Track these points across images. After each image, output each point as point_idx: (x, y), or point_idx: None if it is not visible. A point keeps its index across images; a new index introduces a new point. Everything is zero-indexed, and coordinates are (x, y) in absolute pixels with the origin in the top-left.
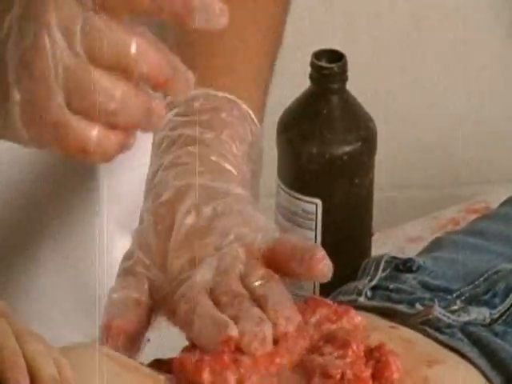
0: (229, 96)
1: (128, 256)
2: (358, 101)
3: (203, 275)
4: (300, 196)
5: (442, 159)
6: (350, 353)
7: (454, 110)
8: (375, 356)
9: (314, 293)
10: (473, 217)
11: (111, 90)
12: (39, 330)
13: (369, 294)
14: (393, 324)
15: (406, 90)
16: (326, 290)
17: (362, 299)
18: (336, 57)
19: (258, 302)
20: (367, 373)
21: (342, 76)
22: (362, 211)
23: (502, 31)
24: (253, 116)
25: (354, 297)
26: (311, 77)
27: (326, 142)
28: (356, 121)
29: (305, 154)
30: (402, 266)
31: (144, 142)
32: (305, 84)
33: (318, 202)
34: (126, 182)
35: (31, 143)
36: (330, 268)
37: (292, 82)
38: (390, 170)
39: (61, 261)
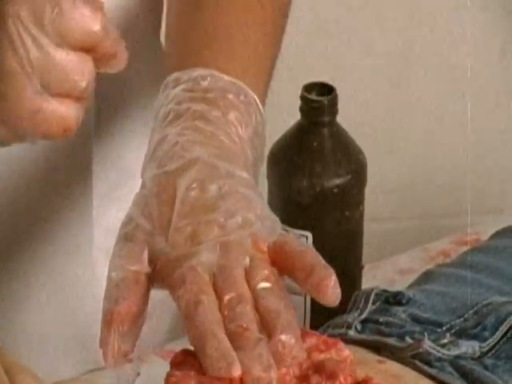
0: (235, 80)
1: (127, 222)
2: (348, 133)
3: (207, 258)
4: (290, 229)
5: (433, 191)
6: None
7: (444, 142)
8: None
9: (304, 323)
10: (463, 248)
11: (83, 69)
12: (29, 362)
13: (358, 327)
14: (381, 358)
15: (396, 122)
16: (316, 321)
17: (351, 332)
18: (326, 90)
19: (260, 312)
20: None
21: (332, 109)
22: (353, 243)
23: (494, 58)
24: (259, 103)
25: (343, 330)
26: (301, 110)
27: (316, 175)
28: (346, 154)
29: (295, 186)
30: (391, 299)
31: (135, 183)
32: (295, 117)
33: (309, 234)
34: (118, 218)
35: (5, 137)
36: (339, 296)
37: (282, 114)
38: (381, 202)
39: (52, 290)
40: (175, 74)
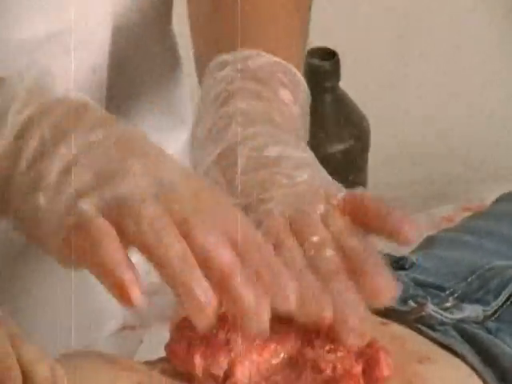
0: (282, 61)
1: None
2: (351, 99)
3: (283, 202)
4: None
5: (437, 157)
6: (341, 348)
7: (448, 109)
8: (366, 352)
9: None
10: (467, 214)
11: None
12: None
13: None
14: (384, 321)
15: (399, 88)
16: None
17: None
18: (329, 55)
19: (346, 253)
20: (358, 368)
21: (335, 74)
22: None
23: (495, 36)
24: (304, 84)
25: None
26: (304, 75)
27: (319, 140)
28: (349, 119)
29: None
30: (395, 264)
31: None
32: None
33: None
34: None
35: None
36: (415, 236)
37: None
38: (384, 168)
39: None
40: (222, 57)
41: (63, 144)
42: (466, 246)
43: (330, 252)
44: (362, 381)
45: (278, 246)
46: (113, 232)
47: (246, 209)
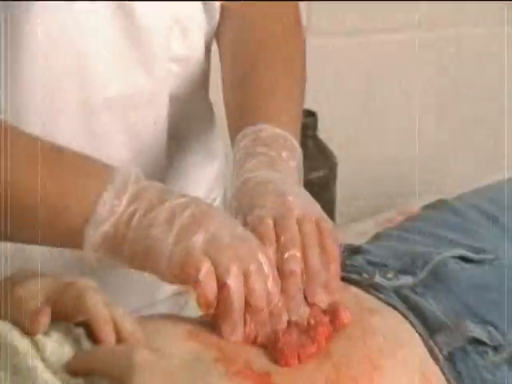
0: (282, 132)
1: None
2: (325, 143)
3: (266, 212)
4: None
5: (382, 181)
6: (315, 307)
7: (395, 151)
8: (332, 308)
9: None
10: (401, 218)
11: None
12: None
13: None
14: (347, 286)
15: (362, 135)
16: None
17: None
18: (310, 113)
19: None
20: (326, 319)
21: (314, 126)
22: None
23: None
24: (298, 147)
25: None
26: None
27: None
28: (323, 156)
29: None
30: (355, 250)
31: None
32: None
33: None
34: None
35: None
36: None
37: None
38: (345, 189)
39: None
40: (242, 132)
41: (165, 203)
42: (401, 239)
43: (295, 252)
44: (330, 327)
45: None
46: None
47: (244, 213)
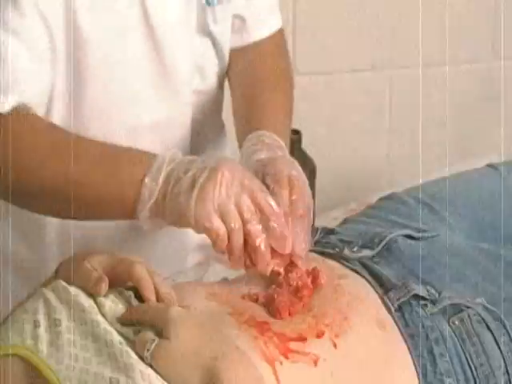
0: (278, 138)
1: None
2: (307, 153)
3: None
4: None
5: (349, 179)
6: (299, 270)
7: (356, 161)
8: (312, 272)
9: None
10: (363, 207)
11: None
12: None
13: (313, 244)
14: (322, 257)
15: (332, 149)
16: None
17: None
18: (296, 132)
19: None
20: (308, 280)
21: (299, 142)
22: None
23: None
24: (286, 150)
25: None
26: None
27: None
28: (305, 164)
29: None
30: (329, 232)
31: None
32: None
33: None
34: None
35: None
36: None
37: None
38: (322, 186)
39: None
40: (248, 137)
41: (189, 172)
42: (363, 223)
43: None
44: (311, 286)
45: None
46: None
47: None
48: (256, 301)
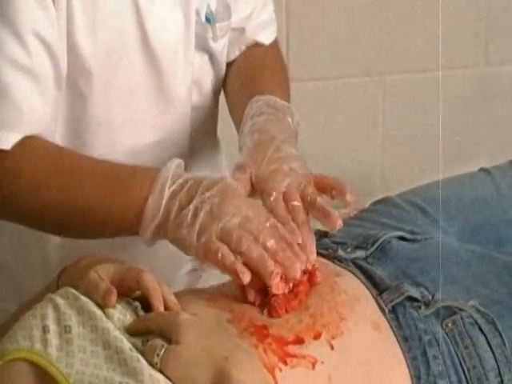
0: (285, 103)
1: (240, 162)
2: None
3: (280, 183)
4: None
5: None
6: None
7: (352, 166)
8: (309, 270)
9: None
10: (357, 210)
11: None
12: None
13: None
14: (319, 258)
15: (328, 155)
16: None
17: None
18: None
19: (312, 207)
20: (305, 277)
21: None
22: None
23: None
24: (297, 115)
25: None
26: None
27: None
28: None
29: None
30: (323, 234)
31: None
32: None
33: None
34: None
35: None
36: (354, 199)
37: None
38: None
39: None
40: (255, 98)
41: (192, 201)
42: (356, 225)
43: (300, 210)
44: (308, 284)
45: (275, 207)
46: (226, 248)
47: (262, 182)
48: (254, 304)
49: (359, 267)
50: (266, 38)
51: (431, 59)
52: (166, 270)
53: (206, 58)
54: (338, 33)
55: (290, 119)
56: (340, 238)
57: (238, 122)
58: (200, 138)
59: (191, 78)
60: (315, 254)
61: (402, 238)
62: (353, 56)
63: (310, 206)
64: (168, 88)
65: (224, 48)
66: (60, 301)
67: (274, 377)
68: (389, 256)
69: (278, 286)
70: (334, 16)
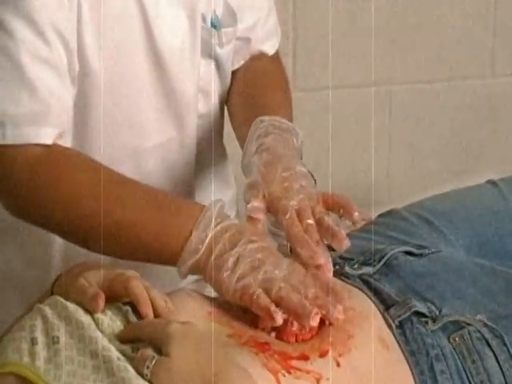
0: (289, 124)
1: (252, 181)
2: (308, 168)
3: (293, 201)
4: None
5: (350, 198)
6: None
7: (359, 176)
8: None
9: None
10: (363, 223)
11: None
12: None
13: None
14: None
15: (332, 164)
16: None
17: None
18: None
19: (320, 225)
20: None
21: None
22: None
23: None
24: (299, 132)
25: None
26: None
27: None
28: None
29: None
30: (330, 248)
31: None
32: None
33: None
34: None
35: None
36: (359, 220)
37: None
38: None
39: None
40: (259, 118)
41: (235, 248)
42: (362, 239)
43: (313, 228)
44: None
45: (293, 225)
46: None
47: (275, 200)
48: (257, 327)
49: (366, 283)
50: (270, 47)
51: (437, 70)
52: (171, 279)
53: (211, 65)
54: (344, 42)
55: (294, 140)
56: (347, 252)
57: (241, 140)
58: (206, 145)
59: (198, 84)
60: (331, 273)
61: (408, 253)
62: (359, 66)
63: (317, 224)
64: (173, 92)
65: (229, 56)
66: (48, 311)
67: (277, 379)
68: (396, 272)
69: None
70: (340, 26)
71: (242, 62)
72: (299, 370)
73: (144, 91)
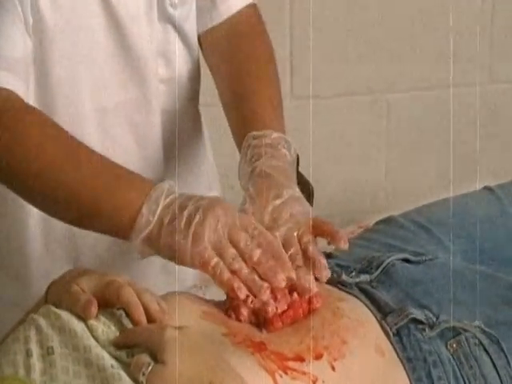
0: (280, 134)
1: (243, 210)
2: (305, 176)
3: (281, 231)
4: None
5: (347, 202)
6: (295, 295)
7: (356, 184)
8: (309, 295)
9: None
10: (360, 230)
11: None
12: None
13: None
14: (323, 284)
15: (328, 174)
16: None
17: None
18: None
19: (304, 254)
20: (304, 304)
21: (296, 165)
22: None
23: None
24: (292, 144)
25: None
26: None
27: None
28: (303, 186)
29: None
30: (327, 256)
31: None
32: None
33: None
34: None
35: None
36: (347, 247)
37: None
38: (320, 209)
39: None
40: (251, 134)
41: (184, 211)
42: (360, 246)
43: (299, 257)
44: (306, 301)
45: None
46: (222, 264)
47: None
48: (250, 322)
49: (363, 291)
50: (241, 1)
51: (435, 78)
52: (167, 285)
53: (169, 28)
54: (342, 50)
55: (287, 152)
56: (344, 260)
57: (235, 136)
58: (175, 111)
59: (157, 48)
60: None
61: (406, 260)
62: (356, 74)
63: (303, 252)
64: (130, 52)
65: (190, 19)
66: (42, 321)
67: (274, 380)
68: (393, 279)
69: (269, 301)
70: (338, 33)
71: (210, 26)
72: (295, 370)
73: (101, 49)
